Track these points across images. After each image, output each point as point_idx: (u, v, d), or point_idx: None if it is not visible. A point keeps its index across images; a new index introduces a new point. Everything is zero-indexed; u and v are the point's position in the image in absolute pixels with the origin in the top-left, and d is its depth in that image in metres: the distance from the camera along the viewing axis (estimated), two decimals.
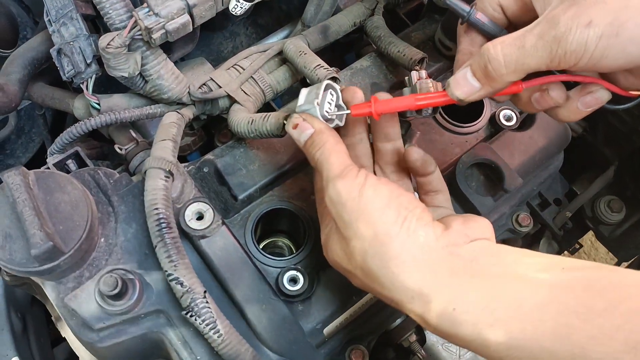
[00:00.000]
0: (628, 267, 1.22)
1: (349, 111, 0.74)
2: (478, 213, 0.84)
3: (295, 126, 0.73)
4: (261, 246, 0.95)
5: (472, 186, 0.89)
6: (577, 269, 0.57)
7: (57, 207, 0.69)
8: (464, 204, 0.86)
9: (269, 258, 0.82)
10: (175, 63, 0.92)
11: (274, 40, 1.06)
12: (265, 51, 0.93)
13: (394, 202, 0.66)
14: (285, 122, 0.77)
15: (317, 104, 0.72)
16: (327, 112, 0.72)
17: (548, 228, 1.01)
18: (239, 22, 1.13)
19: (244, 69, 0.90)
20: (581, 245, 1.25)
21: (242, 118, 0.83)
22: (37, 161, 1.26)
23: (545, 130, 0.92)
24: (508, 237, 1.01)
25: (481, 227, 0.67)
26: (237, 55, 0.92)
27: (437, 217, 0.72)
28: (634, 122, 0.97)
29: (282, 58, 0.93)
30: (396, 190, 0.67)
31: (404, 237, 0.64)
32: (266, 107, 0.97)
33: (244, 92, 0.88)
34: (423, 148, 0.93)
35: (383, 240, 0.64)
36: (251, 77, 0.90)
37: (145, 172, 0.76)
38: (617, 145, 1.05)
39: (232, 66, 0.90)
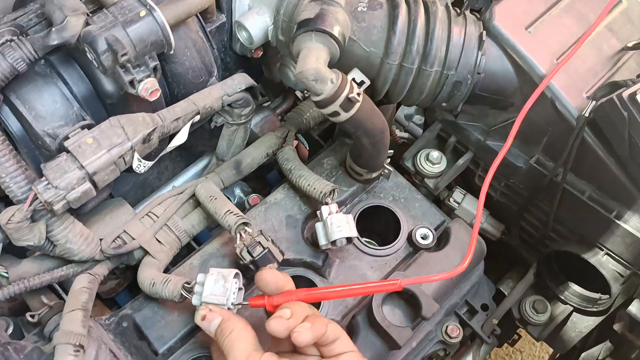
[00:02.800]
0: (565, 355, 1.23)
1: (247, 303, 0.78)
2: (397, 344, 0.85)
3: (204, 317, 0.75)
4: None
5: (394, 312, 0.90)
6: None
7: None
8: (382, 336, 0.86)
9: None
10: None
11: (192, 173, 1.07)
12: (179, 194, 0.94)
13: None
14: (182, 291, 0.80)
15: (226, 300, 0.76)
16: (232, 304, 0.76)
17: (477, 336, 1.02)
18: None
19: (157, 217, 0.90)
20: (520, 337, 1.26)
21: (145, 278, 0.84)
22: None
23: (461, 248, 0.93)
24: (440, 347, 1.02)
25: None
26: (151, 202, 0.92)
27: None
28: (544, 229, 1.00)
29: (196, 199, 0.94)
30: None
31: None
32: (187, 247, 0.97)
33: (158, 241, 0.89)
34: (343, 275, 0.95)
35: None
36: (165, 224, 0.90)
37: (54, 347, 0.74)
38: (534, 248, 1.07)
39: (146, 214, 0.90)
